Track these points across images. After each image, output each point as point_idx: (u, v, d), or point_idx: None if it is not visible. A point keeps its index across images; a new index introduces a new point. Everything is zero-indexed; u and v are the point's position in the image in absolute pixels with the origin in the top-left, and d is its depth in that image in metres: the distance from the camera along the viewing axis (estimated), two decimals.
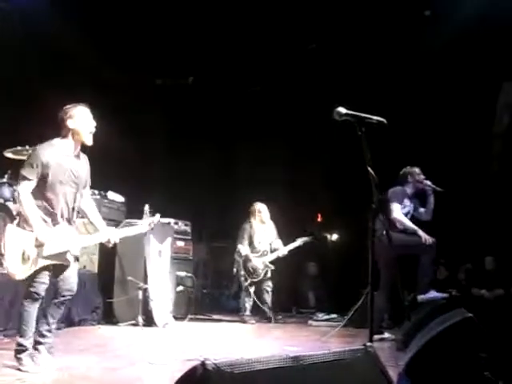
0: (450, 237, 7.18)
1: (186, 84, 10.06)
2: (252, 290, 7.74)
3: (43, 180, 3.87)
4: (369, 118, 3.06)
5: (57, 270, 3.93)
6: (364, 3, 7.98)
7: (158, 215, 4.48)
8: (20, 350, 3.86)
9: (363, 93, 7.99)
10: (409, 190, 5.90)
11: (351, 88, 8.27)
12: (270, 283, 7.82)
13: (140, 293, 6.45)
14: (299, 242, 7.93)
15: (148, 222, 4.39)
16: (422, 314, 3.99)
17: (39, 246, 3.77)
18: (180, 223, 7.99)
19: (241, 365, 1.97)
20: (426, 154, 7.70)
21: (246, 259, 7.80)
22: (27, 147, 6.04)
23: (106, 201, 7.34)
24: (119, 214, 7.52)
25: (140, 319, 6.40)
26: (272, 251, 7.89)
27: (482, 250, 8.10)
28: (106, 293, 6.84)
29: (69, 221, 4.00)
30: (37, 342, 3.93)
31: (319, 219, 8.96)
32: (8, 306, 5.20)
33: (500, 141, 9.90)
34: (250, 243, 7.90)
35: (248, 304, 7.72)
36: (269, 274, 7.81)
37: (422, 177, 5.92)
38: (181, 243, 7.92)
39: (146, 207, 7.05)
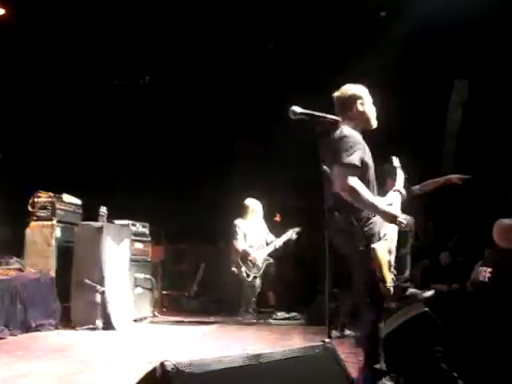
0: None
1: (144, 83, 9.98)
2: (257, 284, 7.71)
3: None
4: (323, 117, 3.10)
5: None
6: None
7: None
8: None
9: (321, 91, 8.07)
10: None
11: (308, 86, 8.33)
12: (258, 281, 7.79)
13: (98, 296, 6.38)
14: (291, 232, 7.93)
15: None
16: None
17: None
18: (138, 225, 7.92)
19: (200, 365, 1.97)
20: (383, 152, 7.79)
21: (245, 254, 7.70)
22: None
23: (61, 203, 7.22)
24: (75, 217, 7.42)
25: (98, 323, 6.32)
26: (268, 244, 7.87)
27: (437, 246, 8.27)
28: (63, 297, 6.73)
29: None
30: None
31: (278, 219, 8.97)
32: None
33: (453, 140, 10.13)
34: (245, 238, 7.82)
35: (253, 302, 7.71)
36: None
37: None
38: (139, 245, 7.85)
39: (103, 209, 7.00)
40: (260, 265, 7.71)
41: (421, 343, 3.88)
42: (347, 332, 6.04)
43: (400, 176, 4.32)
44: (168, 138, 9.87)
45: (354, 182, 3.41)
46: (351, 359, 4.31)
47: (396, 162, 4.45)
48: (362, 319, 3.62)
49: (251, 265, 7.68)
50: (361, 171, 3.52)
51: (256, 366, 2.12)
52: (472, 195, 10.64)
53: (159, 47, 8.92)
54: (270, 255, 7.85)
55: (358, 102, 3.74)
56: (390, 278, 3.49)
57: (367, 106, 3.78)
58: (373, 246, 3.41)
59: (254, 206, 7.93)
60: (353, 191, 3.41)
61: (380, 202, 3.57)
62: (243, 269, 7.67)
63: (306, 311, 7.50)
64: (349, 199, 3.45)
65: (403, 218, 3.63)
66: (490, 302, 4.98)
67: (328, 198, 3.58)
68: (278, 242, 7.86)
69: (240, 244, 7.74)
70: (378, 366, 3.53)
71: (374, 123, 3.81)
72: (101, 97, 9.48)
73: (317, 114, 3.09)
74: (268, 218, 8.39)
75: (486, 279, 5.07)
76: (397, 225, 3.59)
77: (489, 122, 9.62)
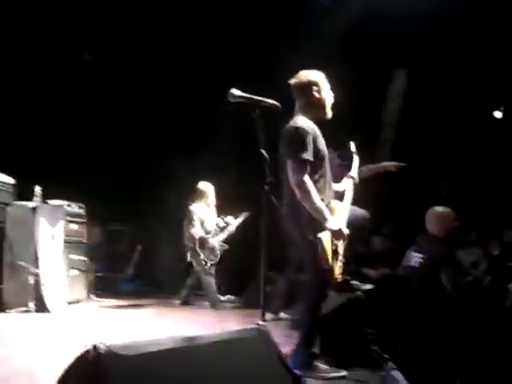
0: None
1: (84, 61, 9.71)
2: (213, 271, 7.52)
3: None
4: (263, 101, 3.10)
5: None
6: None
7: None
8: None
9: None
10: None
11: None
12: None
13: (31, 278, 6.24)
14: (243, 216, 7.81)
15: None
16: None
17: None
18: (73, 205, 7.74)
19: (134, 347, 1.97)
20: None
21: (203, 241, 7.50)
22: None
23: None
24: (8, 196, 7.20)
25: (31, 305, 6.19)
26: (221, 230, 7.69)
27: (370, 231, 8.45)
28: None
29: None
30: None
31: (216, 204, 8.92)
32: None
33: (392, 129, 10.35)
34: (203, 225, 7.59)
35: (215, 288, 7.53)
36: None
37: None
38: (74, 226, 7.69)
39: (37, 189, 6.82)
40: (218, 252, 7.54)
41: (353, 326, 3.98)
42: (282, 315, 6.12)
43: (355, 162, 4.37)
44: (107, 117, 9.66)
45: (306, 180, 3.45)
46: (285, 342, 4.38)
47: (353, 147, 4.49)
48: (301, 303, 3.68)
49: (210, 252, 7.50)
50: (316, 163, 3.56)
51: (190, 348, 2.13)
52: (407, 183, 10.93)
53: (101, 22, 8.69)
54: (224, 241, 7.68)
55: (314, 88, 3.73)
56: (336, 267, 3.54)
57: (324, 93, 3.77)
58: (319, 235, 3.44)
59: (208, 190, 7.72)
60: (303, 191, 3.46)
61: (326, 210, 3.58)
62: (202, 256, 7.46)
63: (243, 294, 7.56)
64: (297, 195, 3.48)
65: (346, 231, 3.66)
66: (421, 286, 5.15)
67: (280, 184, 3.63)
68: (232, 227, 7.68)
69: (197, 231, 7.52)
70: (312, 349, 3.61)
71: (329, 112, 3.81)
72: (37, 74, 9.18)
73: (256, 97, 3.09)
74: None
75: (417, 264, 5.23)
76: (338, 238, 3.61)
77: (427, 112, 9.89)
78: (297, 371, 3.18)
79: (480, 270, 7.39)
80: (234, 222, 7.74)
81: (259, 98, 3.10)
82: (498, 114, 10.84)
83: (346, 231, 3.61)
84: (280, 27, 8.45)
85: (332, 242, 3.54)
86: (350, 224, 3.72)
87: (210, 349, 2.19)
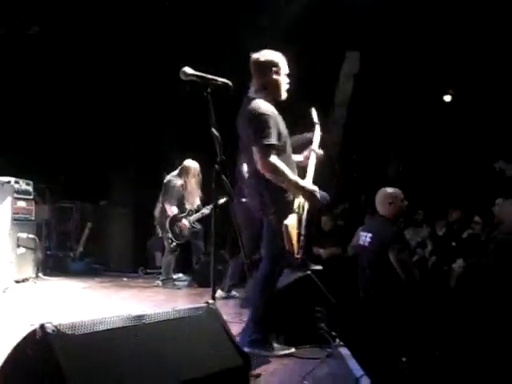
0: None
1: (31, 34, 9.41)
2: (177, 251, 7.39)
3: None
4: (214, 80, 3.09)
5: None
6: None
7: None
8: None
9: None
10: None
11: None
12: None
13: None
14: (221, 200, 7.55)
15: None
16: None
17: None
18: (21, 182, 7.54)
19: (82, 326, 1.96)
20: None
21: (174, 220, 7.30)
22: None
23: None
24: None
25: None
26: (197, 211, 7.47)
27: (319, 211, 8.55)
28: None
29: None
30: None
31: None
32: None
33: (343, 109, 10.47)
34: (180, 203, 7.40)
35: (172, 267, 7.44)
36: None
37: None
38: (22, 203, 7.51)
39: None
40: (186, 233, 7.36)
41: (302, 304, 4.04)
42: (233, 293, 6.16)
43: (317, 132, 4.29)
44: (57, 92, 9.42)
45: (275, 161, 3.48)
46: (235, 320, 4.43)
47: (315, 115, 4.37)
48: (255, 281, 3.72)
49: (178, 232, 7.34)
50: (279, 145, 3.58)
51: (139, 326, 2.13)
52: (357, 164, 11.11)
53: None
54: (196, 222, 7.51)
55: (274, 69, 3.73)
56: (297, 248, 3.58)
57: (282, 75, 3.78)
58: (285, 222, 3.48)
59: (192, 168, 7.39)
60: (275, 171, 3.50)
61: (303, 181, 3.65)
62: (170, 235, 7.31)
63: (193, 272, 7.57)
64: (272, 178, 3.50)
65: (319, 193, 3.71)
66: (369, 265, 5.26)
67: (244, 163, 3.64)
68: (207, 209, 7.41)
69: (173, 208, 7.32)
70: (262, 327, 3.65)
71: (284, 95, 3.81)
72: None
73: (207, 76, 3.08)
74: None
75: (366, 244, 5.33)
76: (314, 202, 3.67)
77: (378, 94, 10.03)
78: (246, 349, 3.23)
79: (426, 249, 7.59)
80: (209, 206, 7.42)
81: (211, 77, 3.09)
82: (447, 98, 11.08)
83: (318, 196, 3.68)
84: (236, 9, 8.39)
85: (298, 225, 3.59)
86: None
87: (159, 327, 2.19)
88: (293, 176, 3.58)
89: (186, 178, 7.37)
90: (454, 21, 8.72)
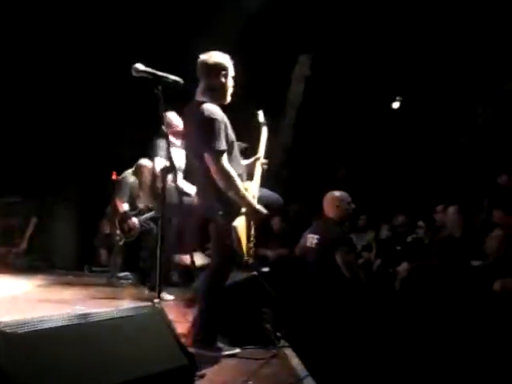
0: None
1: None
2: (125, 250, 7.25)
3: None
4: (165, 77, 3.09)
5: None
6: None
7: None
8: None
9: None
10: None
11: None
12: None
13: None
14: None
15: None
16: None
17: None
18: None
19: (24, 324, 1.92)
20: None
21: (124, 217, 7.10)
22: None
23: None
24: None
25: None
26: (149, 210, 7.24)
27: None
28: None
29: None
30: None
31: (114, 177, 8.70)
32: None
33: (294, 111, 10.58)
34: (133, 201, 7.23)
35: (119, 265, 7.32)
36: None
37: None
38: None
39: None
40: (136, 231, 7.14)
41: (248, 305, 4.06)
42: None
43: (264, 134, 4.23)
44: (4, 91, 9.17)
45: (227, 167, 3.48)
46: (180, 319, 4.41)
47: (261, 117, 4.31)
48: (203, 281, 3.71)
49: (127, 230, 7.15)
50: (228, 149, 3.58)
51: (83, 325, 2.11)
52: (306, 167, 11.21)
53: None
54: (149, 220, 7.24)
55: (222, 72, 3.72)
56: (247, 249, 3.59)
57: (229, 78, 3.78)
58: (234, 224, 3.48)
59: (149, 167, 7.08)
60: (226, 180, 3.49)
61: (249, 195, 3.63)
62: (118, 232, 7.16)
63: (138, 271, 7.49)
64: (220, 184, 3.50)
65: (265, 213, 3.69)
66: (315, 266, 5.33)
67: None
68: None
69: (124, 205, 7.15)
70: (208, 327, 3.66)
71: (228, 98, 3.81)
72: None
73: (158, 73, 3.08)
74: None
75: (313, 245, 5.41)
76: (255, 219, 3.66)
77: (329, 97, 10.16)
78: (191, 349, 3.22)
79: (371, 253, 7.74)
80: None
81: (162, 74, 3.09)
82: (395, 105, 11.32)
83: (265, 211, 3.68)
84: (187, 10, 8.35)
85: (247, 227, 3.60)
86: (266, 207, 3.77)
87: (103, 326, 2.18)
88: (241, 187, 3.57)
89: (141, 177, 7.28)
90: (403, 27, 8.91)
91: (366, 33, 9.02)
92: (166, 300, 5.84)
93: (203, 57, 3.74)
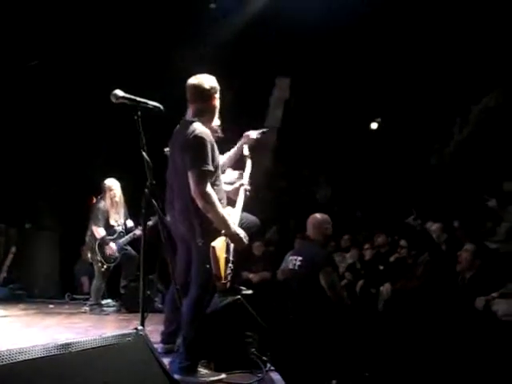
0: None
1: None
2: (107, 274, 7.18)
3: None
4: (145, 103, 3.08)
5: None
6: None
7: None
8: None
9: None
10: None
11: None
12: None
13: None
14: (153, 220, 7.25)
15: None
16: None
17: None
18: None
19: (5, 356, 1.87)
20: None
21: (103, 242, 7.10)
22: None
23: None
24: None
25: None
26: (128, 232, 7.28)
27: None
28: None
29: None
30: None
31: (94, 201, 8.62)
32: None
33: (273, 134, 10.62)
34: (107, 225, 7.19)
35: (102, 292, 7.23)
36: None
37: None
38: None
39: None
40: (117, 256, 7.18)
41: (233, 329, 4.02)
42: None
43: (248, 167, 4.31)
44: None
45: (209, 190, 3.47)
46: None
47: (246, 150, 4.40)
48: (185, 306, 3.66)
49: (108, 255, 7.15)
50: (213, 171, 3.57)
51: (66, 355, 2.06)
52: (288, 190, 11.24)
53: None
54: (127, 244, 7.32)
55: (215, 95, 3.73)
56: (226, 273, 3.55)
57: (218, 100, 3.79)
58: (213, 244, 3.45)
59: (113, 186, 7.26)
60: (208, 202, 3.47)
61: (230, 219, 3.62)
62: (99, 258, 7.13)
63: (121, 298, 7.40)
64: (201, 205, 3.47)
65: (246, 238, 3.69)
66: (299, 288, 5.31)
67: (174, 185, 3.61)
68: (137, 231, 7.22)
69: (100, 230, 7.13)
70: (192, 354, 3.60)
71: (217, 121, 3.82)
72: None
73: (138, 99, 3.07)
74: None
75: (296, 267, 5.39)
76: (236, 244, 3.64)
77: (309, 119, 10.23)
78: (177, 376, 3.17)
79: (354, 273, 7.73)
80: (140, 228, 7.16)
81: (141, 100, 3.08)
82: (374, 125, 11.43)
83: (246, 238, 3.66)
84: (169, 32, 8.38)
85: (226, 249, 3.57)
86: (245, 230, 3.75)
87: (86, 356, 2.13)
88: (222, 210, 3.56)
89: (108, 196, 7.27)
90: (381, 50, 9.02)
91: (345, 55, 9.12)
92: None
93: (194, 81, 3.73)
